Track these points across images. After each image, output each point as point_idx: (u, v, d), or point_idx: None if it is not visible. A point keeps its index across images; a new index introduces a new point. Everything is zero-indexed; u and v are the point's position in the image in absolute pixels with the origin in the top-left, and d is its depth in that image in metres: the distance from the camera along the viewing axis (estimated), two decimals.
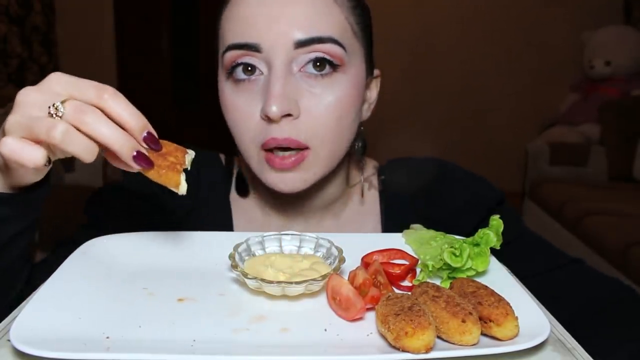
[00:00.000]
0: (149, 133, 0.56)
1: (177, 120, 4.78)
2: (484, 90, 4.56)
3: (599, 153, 3.59)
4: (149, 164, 0.56)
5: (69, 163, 3.43)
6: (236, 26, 0.73)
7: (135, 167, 0.55)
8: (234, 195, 0.91)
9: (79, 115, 0.52)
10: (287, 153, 0.73)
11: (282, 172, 0.74)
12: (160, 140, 0.58)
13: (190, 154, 0.60)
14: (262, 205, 0.89)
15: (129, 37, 4.76)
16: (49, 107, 0.53)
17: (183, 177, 0.58)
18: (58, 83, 0.55)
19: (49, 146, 0.53)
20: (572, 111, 3.91)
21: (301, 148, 0.73)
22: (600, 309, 0.74)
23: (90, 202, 0.89)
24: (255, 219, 0.90)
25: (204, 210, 0.87)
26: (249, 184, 0.90)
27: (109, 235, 0.70)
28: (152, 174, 0.57)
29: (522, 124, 4.48)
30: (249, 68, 0.73)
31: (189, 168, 0.59)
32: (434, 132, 4.49)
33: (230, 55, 0.73)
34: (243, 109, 0.74)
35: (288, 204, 0.86)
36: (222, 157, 0.94)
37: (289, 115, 0.71)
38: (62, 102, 0.53)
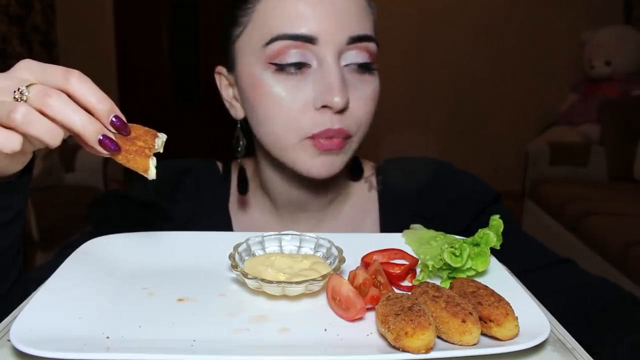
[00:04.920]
0: (116, 117, 0.55)
1: (178, 119, 4.78)
2: (484, 91, 4.56)
3: (599, 153, 3.59)
4: (116, 148, 0.55)
5: (69, 163, 3.43)
6: (287, 17, 0.74)
7: (102, 151, 0.55)
8: (232, 203, 0.92)
9: (42, 99, 0.52)
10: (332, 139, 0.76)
11: (326, 155, 0.77)
12: (130, 124, 0.57)
13: (161, 137, 0.58)
14: (262, 210, 0.90)
15: (129, 37, 4.76)
16: (14, 92, 0.53)
17: (153, 162, 0.57)
18: (26, 69, 0.55)
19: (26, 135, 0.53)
20: (572, 111, 3.91)
21: (347, 136, 0.77)
22: (591, 307, 0.75)
23: (91, 209, 0.89)
24: (254, 225, 0.90)
25: (203, 217, 0.88)
26: (253, 187, 0.91)
27: (109, 235, 0.70)
28: (120, 159, 0.56)
29: (522, 124, 4.49)
30: (294, 59, 0.74)
31: (161, 151, 0.58)
32: (434, 132, 4.49)
33: (279, 45, 0.74)
34: (288, 99, 0.75)
35: (292, 204, 0.87)
36: (220, 165, 0.95)
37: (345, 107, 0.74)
38: (28, 87, 0.53)
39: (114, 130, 0.56)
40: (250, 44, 0.77)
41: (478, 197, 0.88)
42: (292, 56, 0.74)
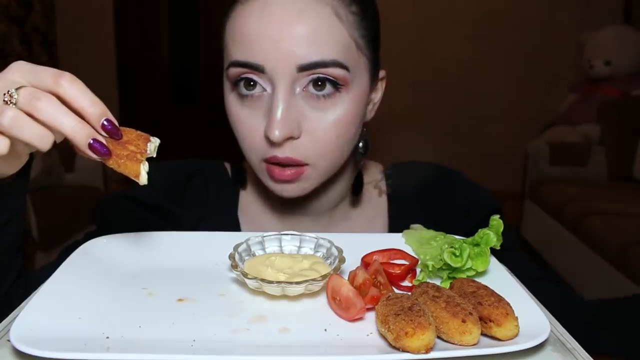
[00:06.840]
0: (108, 120, 0.54)
1: (177, 119, 4.78)
2: (484, 91, 4.56)
3: (599, 153, 3.59)
4: (106, 152, 0.54)
5: (69, 163, 3.43)
6: (239, 43, 0.73)
7: (92, 155, 0.54)
8: (241, 208, 0.91)
9: (32, 102, 0.52)
10: (286, 167, 0.74)
11: (282, 183, 0.76)
12: (122, 128, 0.56)
13: (154, 142, 0.58)
14: (271, 212, 0.89)
15: (129, 37, 4.76)
16: (4, 95, 0.52)
17: (144, 167, 0.56)
18: (17, 71, 0.54)
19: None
20: (572, 111, 3.91)
21: (300, 164, 0.74)
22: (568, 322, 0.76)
23: (98, 210, 0.88)
24: (264, 228, 0.89)
25: (212, 222, 0.87)
26: (261, 191, 0.90)
27: (109, 235, 0.70)
28: (111, 163, 0.56)
29: (522, 124, 4.48)
30: (251, 83, 0.73)
31: (154, 156, 0.57)
32: (434, 132, 4.49)
33: (234, 71, 0.74)
34: (247, 123, 0.75)
35: (296, 207, 0.87)
36: (228, 166, 0.94)
37: (290, 137, 0.72)
38: (17, 89, 0.52)
39: (105, 134, 0.55)
40: (223, 61, 0.78)
41: (484, 207, 0.88)
42: (247, 82, 0.73)
